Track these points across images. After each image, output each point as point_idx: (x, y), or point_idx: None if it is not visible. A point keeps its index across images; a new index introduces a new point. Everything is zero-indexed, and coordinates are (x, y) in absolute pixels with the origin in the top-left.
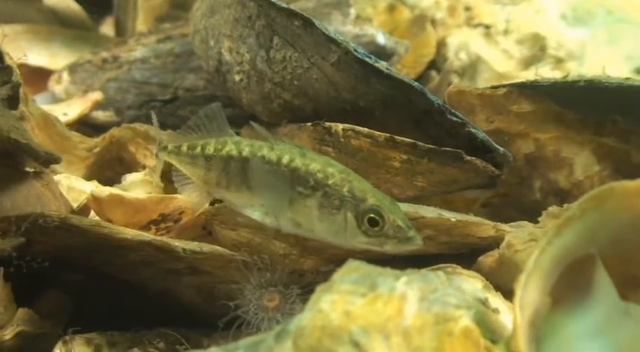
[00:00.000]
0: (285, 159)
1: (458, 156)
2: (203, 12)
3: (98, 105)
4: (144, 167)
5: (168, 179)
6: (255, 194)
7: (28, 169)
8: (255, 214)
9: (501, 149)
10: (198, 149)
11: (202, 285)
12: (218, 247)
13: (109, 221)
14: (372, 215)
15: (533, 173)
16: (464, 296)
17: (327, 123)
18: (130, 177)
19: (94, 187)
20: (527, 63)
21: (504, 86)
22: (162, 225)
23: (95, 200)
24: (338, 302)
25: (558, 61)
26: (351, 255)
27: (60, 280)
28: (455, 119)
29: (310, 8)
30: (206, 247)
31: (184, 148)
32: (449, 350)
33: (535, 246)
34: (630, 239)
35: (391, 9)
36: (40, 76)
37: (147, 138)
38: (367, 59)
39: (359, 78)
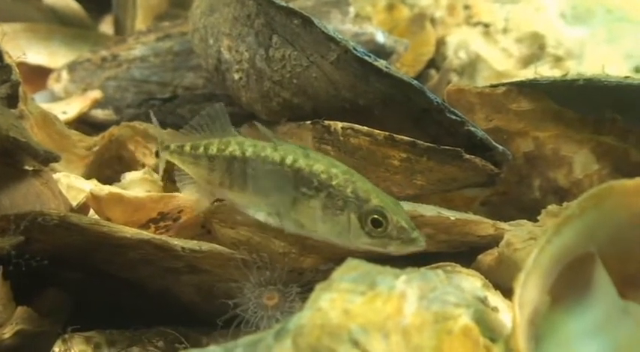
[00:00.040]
0: (289, 160)
1: (457, 155)
2: (202, 10)
3: (97, 104)
4: (143, 165)
5: (168, 178)
6: (259, 194)
7: (27, 168)
8: (259, 214)
9: (500, 147)
10: (201, 149)
11: (201, 284)
12: (217, 246)
13: (108, 219)
14: (376, 216)
15: (532, 171)
16: (463, 294)
17: (327, 122)
18: (130, 176)
19: (93, 186)
20: (527, 61)
21: (503, 85)
22: (162, 224)
23: (94, 198)
24: (337, 300)
25: (557, 60)
26: (351, 254)
27: (59, 278)
28: (454, 117)
29: (309, 7)
30: (205, 246)
31: (187, 148)
32: (448, 348)
33: (534, 244)
34: (629, 237)
35: (390, 7)
36: (39, 75)
37: (146, 136)
38: (366, 58)
39: (358, 76)
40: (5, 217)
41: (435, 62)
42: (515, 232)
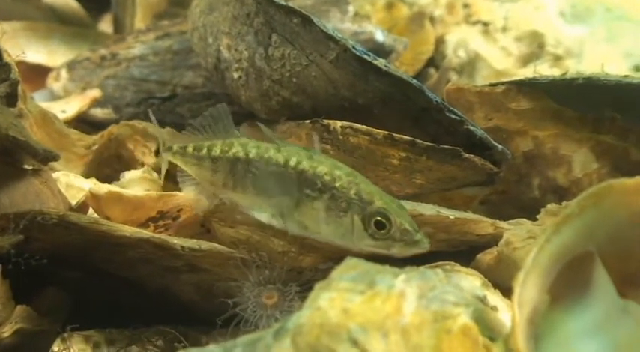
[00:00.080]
0: (293, 161)
1: (456, 154)
2: (202, 9)
3: (96, 103)
4: (142, 164)
5: (167, 177)
6: (262, 196)
7: (26, 167)
8: (262, 216)
9: (500, 146)
10: (205, 150)
11: (201, 283)
12: (216, 245)
13: (108, 218)
14: (379, 218)
15: (531, 170)
16: (462, 293)
17: (326, 121)
18: (129, 175)
19: (92, 184)
20: (526, 60)
21: (503, 84)
22: (161, 223)
23: (94, 197)
24: (336, 299)
25: (557, 59)
26: (350, 253)
27: (58, 277)
28: (453, 116)
29: (309, 6)
30: (204, 245)
31: (190, 149)
32: (447, 347)
33: (533, 243)
34: (629, 236)
35: (390, 6)
36: (38, 74)
37: (145, 135)
38: (366, 57)
39: (357, 75)
40: (5, 216)
41: (435, 61)
42: (514, 231)
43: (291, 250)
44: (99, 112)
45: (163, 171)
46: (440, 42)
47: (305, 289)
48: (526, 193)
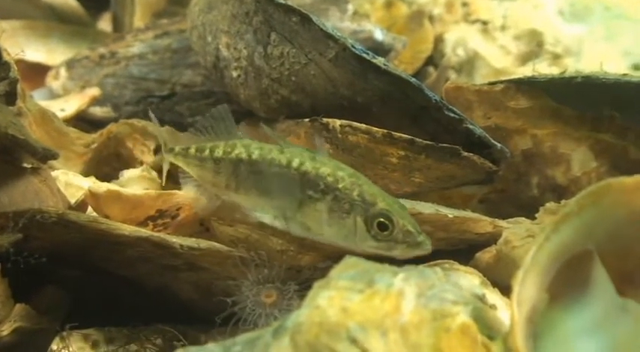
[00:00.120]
0: (296, 163)
1: (455, 153)
2: (201, 8)
3: (96, 101)
4: (141, 163)
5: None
6: (265, 197)
7: (25, 165)
8: (265, 217)
9: (499, 145)
10: (207, 152)
11: (200, 281)
12: (215, 243)
13: (107, 217)
14: (382, 219)
15: (530, 169)
16: (461, 292)
17: (325, 119)
18: (128, 173)
19: (91, 183)
20: (525, 59)
21: (502, 82)
22: (160, 221)
23: (93, 196)
24: (335, 298)
25: (556, 57)
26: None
27: (57, 276)
28: (452, 115)
29: (308, 4)
30: (203, 243)
31: (192, 151)
32: (446, 346)
33: (532, 242)
34: (628, 235)
35: (389, 5)
36: (37, 72)
37: (144, 134)
38: (365, 55)
39: (356, 74)
40: (4, 215)
41: (433, 59)
42: (513, 230)
43: (290, 249)
44: (98, 111)
45: (164, 173)
46: (439, 40)
47: (304, 288)
48: (525, 192)
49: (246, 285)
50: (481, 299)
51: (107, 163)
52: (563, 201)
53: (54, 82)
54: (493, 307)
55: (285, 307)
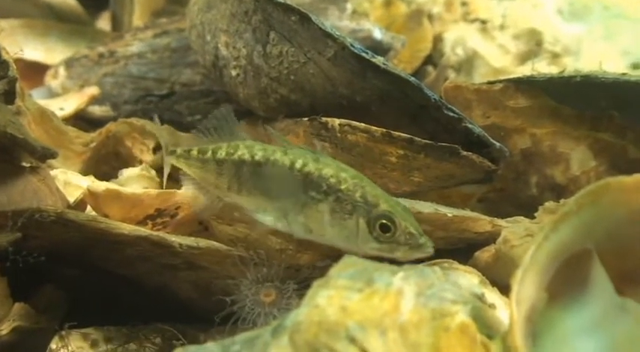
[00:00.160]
0: (298, 164)
1: (454, 152)
2: (200, 7)
3: (94, 100)
4: (140, 162)
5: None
6: (267, 198)
7: (24, 164)
8: (267, 219)
9: (498, 144)
10: (209, 153)
11: (199, 280)
12: (214, 242)
13: (106, 216)
14: (384, 221)
15: (529, 168)
16: (460, 291)
17: (324, 119)
18: (127, 172)
19: (90, 182)
20: (524, 58)
21: (501, 81)
22: (159, 220)
23: (91, 195)
24: (334, 297)
25: (555, 56)
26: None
27: (56, 275)
28: (451, 114)
29: (307, 3)
30: (202, 242)
31: (194, 152)
32: (445, 345)
33: (531, 241)
34: (627, 234)
35: (388, 4)
36: (36, 71)
37: (143, 132)
38: (364, 54)
39: (355, 73)
40: (2, 213)
41: (433, 59)
42: (512, 229)
43: (289, 248)
44: (97, 110)
45: (165, 175)
46: (438, 40)
47: (303, 287)
48: (524, 191)
49: (245, 284)
50: (480, 298)
51: (106, 162)
52: (562, 200)
53: (53, 81)
54: (492, 306)
55: (284, 306)
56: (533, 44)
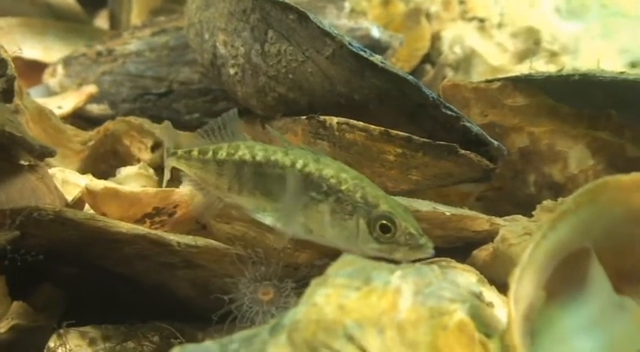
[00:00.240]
0: (299, 164)
1: (452, 150)
2: (198, 5)
3: (93, 99)
4: (138, 160)
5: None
6: (268, 199)
7: (22, 162)
8: (267, 219)
9: (496, 143)
10: (210, 154)
11: (197, 279)
12: (212, 241)
13: (104, 214)
14: (384, 221)
15: (527, 167)
16: (458, 290)
17: (322, 117)
18: (125, 171)
19: (88, 180)
20: (522, 56)
21: (499, 80)
22: (157, 219)
23: (90, 193)
24: (332, 295)
25: (552, 55)
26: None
27: (54, 273)
28: (449, 113)
29: (305, 2)
30: (200, 241)
31: (195, 153)
32: (443, 344)
33: (529, 239)
34: (625, 233)
35: (386, 2)
36: (34, 69)
37: (141, 131)
38: (362, 53)
39: (353, 71)
40: (1, 212)
41: (431, 57)
42: (510, 227)
43: (287, 246)
44: (95, 108)
45: (166, 177)
46: (436, 38)
47: (301, 285)
48: (522, 189)
49: (244, 283)
50: (478, 296)
51: (104, 161)
52: (560, 199)
53: (51, 80)
54: (490, 305)
55: (282, 304)
56: (531, 43)
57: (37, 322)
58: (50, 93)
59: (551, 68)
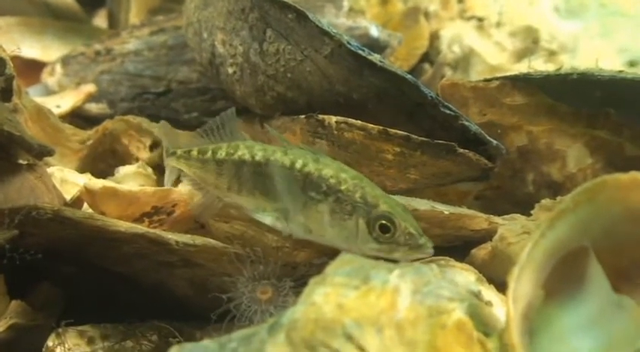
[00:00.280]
0: (299, 164)
1: (451, 149)
2: (196, 4)
3: (91, 98)
4: (137, 159)
5: (163, 172)
6: (267, 198)
7: (21, 162)
8: (267, 219)
9: (494, 142)
10: (209, 153)
11: (195, 278)
12: (211, 240)
13: (102, 213)
14: (384, 221)
15: (526, 166)
16: (457, 288)
17: (321, 116)
18: (123, 170)
19: (87, 179)
20: (520, 55)
21: (497, 79)
22: (156, 218)
23: (88, 192)
24: (331, 294)
25: (551, 54)
26: None
27: (53, 272)
28: (448, 112)
29: (303, 1)
30: (199, 240)
31: (194, 153)
32: (442, 342)
33: (528, 238)
34: (623, 231)
35: (384, 1)
36: (33, 69)
37: (140, 130)
38: (360, 52)
39: (352, 70)
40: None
41: (429, 56)
42: (508, 226)
43: (286, 245)
44: (93, 107)
45: (167, 177)
46: (434, 37)
47: (299, 284)
48: (520, 188)
49: (242, 282)
50: (477, 295)
51: (103, 160)
52: (558, 198)
53: (49, 79)
54: (489, 303)
55: (280, 303)
56: (530, 42)
57: (36, 321)
58: (49, 92)
59: (549, 67)
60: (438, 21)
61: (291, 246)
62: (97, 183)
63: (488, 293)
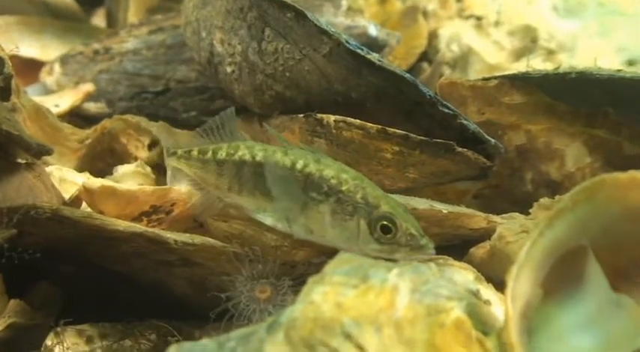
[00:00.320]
0: (299, 165)
1: (449, 148)
2: (195, 3)
3: (90, 97)
4: (135, 158)
5: (161, 171)
6: (268, 199)
7: (19, 161)
8: (268, 219)
9: (493, 141)
10: (210, 154)
11: (194, 277)
12: (210, 239)
13: (101, 212)
14: (385, 222)
15: (524, 164)
16: (455, 287)
17: (319, 115)
18: (122, 169)
19: (85, 179)
20: (519, 54)
21: (496, 78)
22: (154, 217)
23: (87, 191)
24: (330, 293)
25: (550, 53)
26: None
27: (51, 271)
28: (446, 111)
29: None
30: (197, 239)
31: (195, 153)
32: (440, 341)
33: (526, 237)
34: (621, 230)
35: (383, 0)
36: (31, 68)
37: (138, 129)
38: (359, 51)
39: (351, 69)
40: None
41: (428, 55)
42: (507, 225)
43: (284, 244)
44: (92, 106)
45: (169, 178)
46: (433, 36)
47: (298, 283)
48: (519, 187)
49: (241, 281)
50: (475, 294)
51: (101, 159)
52: (557, 197)
53: (48, 78)
54: (487, 302)
55: (279, 302)
56: (528, 41)
57: (35, 320)
58: (47, 91)
59: (548, 66)
60: (437, 20)
61: (289, 244)
62: (96, 182)
63: (487, 292)
